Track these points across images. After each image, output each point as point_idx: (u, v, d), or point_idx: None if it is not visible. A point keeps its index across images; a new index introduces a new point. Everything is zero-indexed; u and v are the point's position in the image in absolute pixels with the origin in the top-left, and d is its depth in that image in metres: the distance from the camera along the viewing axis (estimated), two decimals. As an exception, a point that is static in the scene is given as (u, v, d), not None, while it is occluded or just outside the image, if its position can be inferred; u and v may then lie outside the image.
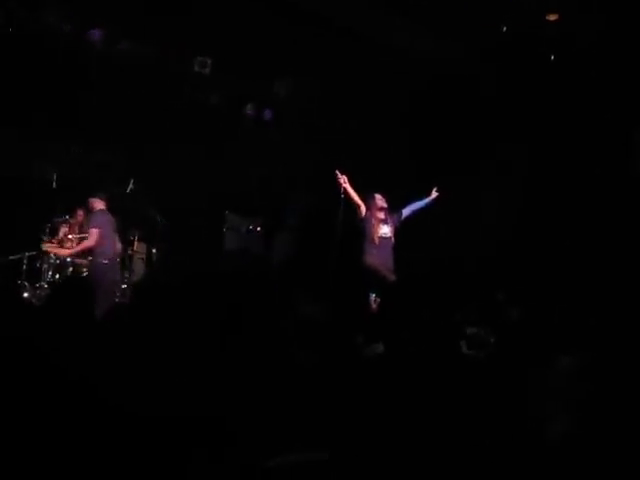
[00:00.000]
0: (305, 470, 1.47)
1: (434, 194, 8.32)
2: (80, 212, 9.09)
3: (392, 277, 7.65)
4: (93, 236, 8.11)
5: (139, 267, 9.75)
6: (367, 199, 8.03)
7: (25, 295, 8.09)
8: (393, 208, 8.13)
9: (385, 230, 7.93)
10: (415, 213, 8.26)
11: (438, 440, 2.19)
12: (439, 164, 10.25)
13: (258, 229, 10.86)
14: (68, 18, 9.06)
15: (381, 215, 7.95)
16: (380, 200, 7.99)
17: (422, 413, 2.30)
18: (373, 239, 7.82)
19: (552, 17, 8.72)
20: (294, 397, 1.73)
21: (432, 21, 9.12)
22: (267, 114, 11.33)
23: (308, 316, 3.29)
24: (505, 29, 8.52)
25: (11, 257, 8.48)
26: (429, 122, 10.41)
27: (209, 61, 10.10)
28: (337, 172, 7.83)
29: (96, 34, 9.33)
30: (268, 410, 1.56)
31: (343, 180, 7.79)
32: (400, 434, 2.19)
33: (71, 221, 9.08)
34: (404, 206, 8.24)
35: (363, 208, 7.92)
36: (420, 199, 8.33)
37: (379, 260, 7.80)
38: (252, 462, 1.44)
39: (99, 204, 8.36)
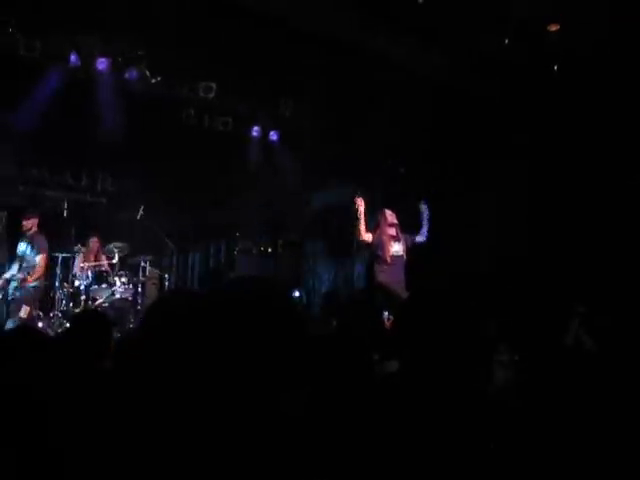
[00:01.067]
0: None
1: (423, 208, 8.25)
2: (94, 239, 9.18)
3: (404, 295, 7.60)
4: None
5: (152, 292, 9.80)
6: (377, 215, 8.02)
7: (40, 325, 8.13)
8: (405, 227, 8.12)
9: (396, 248, 7.90)
10: (426, 236, 8.22)
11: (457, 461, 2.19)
12: (444, 179, 10.29)
13: (269, 250, 10.92)
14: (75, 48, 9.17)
15: (392, 232, 7.91)
16: (390, 216, 7.96)
17: (438, 433, 2.30)
18: (385, 258, 7.80)
19: (553, 28, 8.76)
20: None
21: (433, 36, 9.15)
22: (272, 135, 11.43)
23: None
24: (507, 42, 8.53)
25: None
26: (434, 137, 10.44)
27: (214, 85, 10.19)
28: (357, 197, 7.82)
29: (103, 63, 9.42)
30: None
31: (360, 203, 7.77)
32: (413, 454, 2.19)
33: (83, 250, 9.16)
34: (415, 230, 8.22)
35: (367, 238, 7.89)
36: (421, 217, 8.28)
37: (391, 278, 7.77)
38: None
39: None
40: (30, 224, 7.74)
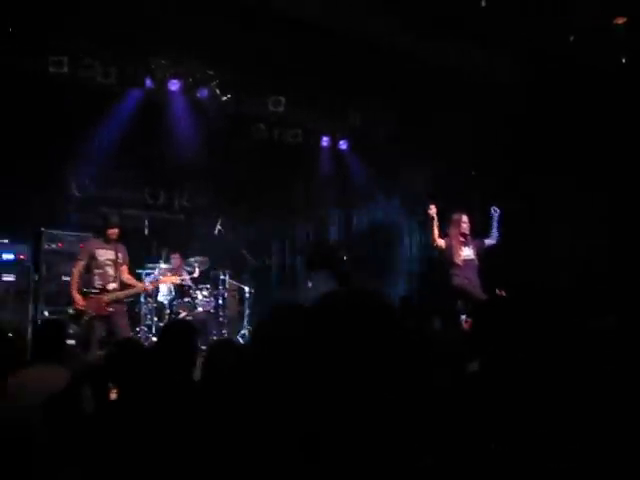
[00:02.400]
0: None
1: (493, 211, 8.24)
2: (176, 256, 9.46)
3: (482, 296, 7.59)
4: None
5: (232, 304, 10.06)
6: (452, 217, 8.05)
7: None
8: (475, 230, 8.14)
9: (467, 252, 7.92)
10: (497, 239, 8.22)
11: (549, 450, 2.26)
12: (516, 181, 10.23)
13: (344, 258, 11.03)
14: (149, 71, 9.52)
15: (461, 238, 7.94)
16: (465, 223, 7.98)
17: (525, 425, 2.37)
18: (457, 262, 7.81)
19: (620, 20, 8.62)
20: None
21: (496, 38, 9.11)
22: (342, 145, 11.59)
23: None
24: (572, 39, 8.44)
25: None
26: (504, 140, 10.38)
27: (282, 99, 10.40)
28: (431, 203, 7.89)
29: (175, 84, 9.74)
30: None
31: (433, 210, 7.82)
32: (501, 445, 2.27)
33: (163, 266, 9.43)
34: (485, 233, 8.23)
35: (440, 243, 7.92)
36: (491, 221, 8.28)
37: (465, 280, 7.80)
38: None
39: None
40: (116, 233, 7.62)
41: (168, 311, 9.20)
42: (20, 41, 8.49)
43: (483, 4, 7.71)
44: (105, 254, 7.40)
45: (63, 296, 8.49)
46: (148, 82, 9.57)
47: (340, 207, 11.93)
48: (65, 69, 8.86)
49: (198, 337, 4.01)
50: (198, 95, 10.09)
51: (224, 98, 10.16)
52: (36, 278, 8.47)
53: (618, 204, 9.63)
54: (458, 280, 7.81)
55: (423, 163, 11.03)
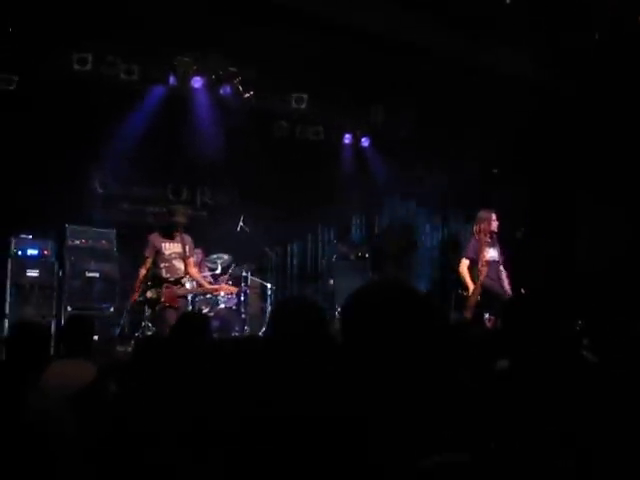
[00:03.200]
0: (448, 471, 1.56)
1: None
2: (198, 251, 9.47)
3: (507, 295, 7.52)
4: None
5: (255, 301, 10.06)
6: (480, 215, 7.93)
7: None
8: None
9: (492, 254, 7.81)
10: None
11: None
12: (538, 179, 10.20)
13: (366, 255, 11.03)
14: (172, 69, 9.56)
15: (488, 237, 7.80)
16: (494, 221, 7.85)
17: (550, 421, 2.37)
18: (482, 262, 7.67)
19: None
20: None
21: (521, 37, 9.04)
22: (364, 142, 11.57)
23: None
24: (598, 36, 8.36)
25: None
26: (527, 139, 10.33)
27: (305, 96, 10.42)
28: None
29: (198, 82, 9.77)
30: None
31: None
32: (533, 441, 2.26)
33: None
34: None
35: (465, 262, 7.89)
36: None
37: (490, 280, 7.70)
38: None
39: None
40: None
41: (190, 307, 9.20)
42: (45, 38, 8.57)
43: (508, 1, 7.66)
44: (171, 247, 7.59)
45: (87, 292, 8.61)
46: (171, 79, 9.62)
47: (362, 206, 11.91)
48: (89, 66, 8.92)
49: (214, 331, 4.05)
50: (221, 92, 10.12)
51: (247, 95, 10.17)
52: (60, 274, 8.52)
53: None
54: (483, 279, 7.72)
55: (442, 162, 11.00)
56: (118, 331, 8.47)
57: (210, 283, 9.11)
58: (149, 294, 7.42)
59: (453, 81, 9.59)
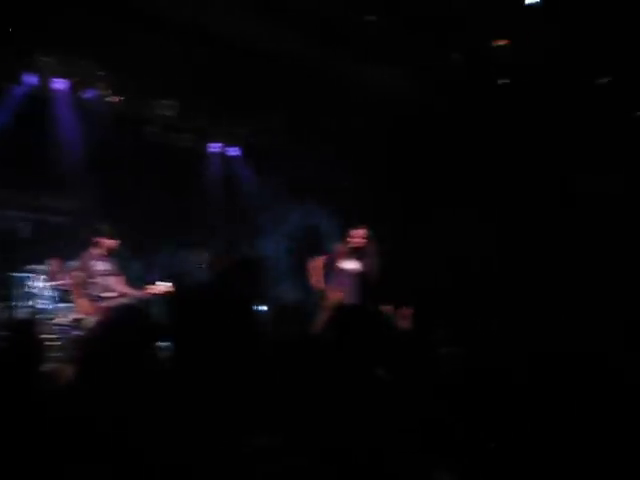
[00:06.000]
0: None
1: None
2: (54, 260, 9.14)
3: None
4: None
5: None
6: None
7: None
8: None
9: (350, 265, 7.81)
10: None
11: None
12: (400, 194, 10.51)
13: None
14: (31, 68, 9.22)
15: (344, 249, 7.78)
16: (354, 238, 7.77)
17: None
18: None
19: (502, 42, 8.95)
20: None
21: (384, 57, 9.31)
22: (233, 151, 11.58)
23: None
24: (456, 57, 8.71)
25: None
26: (394, 154, 10.63)
27: (173, 103, 10.33)
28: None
29: (60, 83, 9.49)
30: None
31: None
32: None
33: (44, 269, 9.10)
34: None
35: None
36: None
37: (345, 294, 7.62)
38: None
39: None
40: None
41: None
42: None
43: (370, 19, 7.87)
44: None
45: None
46: (32, 79, 9.27)
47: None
48: None
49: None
50: (85, 95, 9.86)
51: (114, 99, 9.97)
52: None
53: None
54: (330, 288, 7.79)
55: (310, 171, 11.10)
56: None
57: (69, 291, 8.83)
58: None
59: (325, 94, 9.76)
